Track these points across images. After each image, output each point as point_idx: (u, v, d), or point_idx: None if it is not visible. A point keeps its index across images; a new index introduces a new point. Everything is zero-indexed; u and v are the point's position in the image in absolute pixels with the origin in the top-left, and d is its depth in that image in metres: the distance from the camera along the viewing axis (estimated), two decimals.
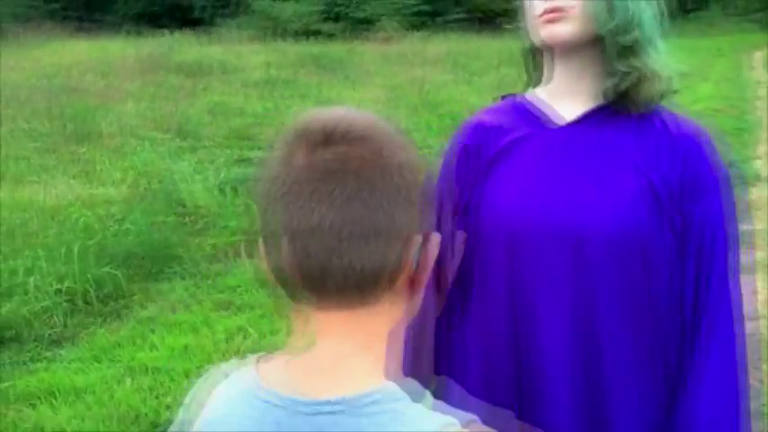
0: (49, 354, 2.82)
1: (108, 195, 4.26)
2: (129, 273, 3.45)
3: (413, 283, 0.62)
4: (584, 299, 0.93)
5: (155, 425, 2.33)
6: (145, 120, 6.39)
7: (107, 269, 3.33)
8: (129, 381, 2.55)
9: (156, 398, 2.45)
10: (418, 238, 0.61)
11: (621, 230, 0.91)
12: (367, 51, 12.54)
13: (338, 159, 0.58)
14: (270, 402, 0.59)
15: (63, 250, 3.32)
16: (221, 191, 4.55)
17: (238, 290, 3.42)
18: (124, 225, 3.74)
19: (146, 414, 2.37)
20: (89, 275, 3.24)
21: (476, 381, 1.00)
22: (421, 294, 0.64)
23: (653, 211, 0.91)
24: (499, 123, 0.99)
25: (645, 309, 0.93)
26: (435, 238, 0.63)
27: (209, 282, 3.54)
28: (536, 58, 1.01)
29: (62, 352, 2.83)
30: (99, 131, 5.94)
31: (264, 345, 2.86)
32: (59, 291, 3.13)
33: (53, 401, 2.44)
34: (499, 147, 0.98)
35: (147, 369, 2.65)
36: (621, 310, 0.93)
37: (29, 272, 3.16)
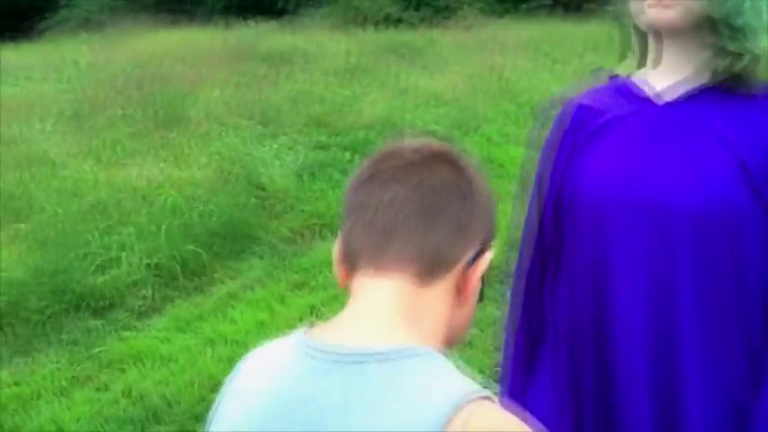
0: (138, 323, 3.03)
1: (194, 178, 4.48)
2: (212, 251, 3.64)
3: (460, 288, 0.66)
4: (664, 272, 0.94)
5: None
6: (230, 107, 6.64)
7: (192, 247, 3.53)
8: (209, 351, 2.72)
9: (232, 367, 2.59)
10: (481, 245, 0.66)
11: (708, 208, 0.92)
12: (447, 39, 12.47)
13: (424, 162, 0.65)
14: (306, 350, 0.64)
15: (153, 229, 3.54)
16: (299, 176, 4.70)
17: (313, 271, 3.53)
18: (208, 206, 3.94)
19: (224, 382, 2.51)
20: (176, 253, 3.44)
21: (562, 347, 1.04)
22: (470, 305, 0.68)
23: (745, 191, 0.92)
24: (601, 102, 1.02)
25: (730, 285, 0.93)
26: (489, 255, 0.68)
27: (286, 262, 3.68)
28: (640, 39, 1.02)
29: (150, 322, 3.03)
30: (187, 117, 6.23)
31: (324, 319, 2.97)
32: (149, 266, 3.34)
33: (141, 367, 2.63)
34: (599, 124, 1.01)
35: (226, 341, 2.81)
36: (702, 284, 0.94)
37: (121, 248, 3.39)
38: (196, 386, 2.48)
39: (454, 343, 0.68)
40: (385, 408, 0.59)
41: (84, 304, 3.07)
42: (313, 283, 3.40)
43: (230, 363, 2.79)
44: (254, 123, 6.00)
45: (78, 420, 2.33)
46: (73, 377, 2.58)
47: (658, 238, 0.94)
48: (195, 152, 5.18)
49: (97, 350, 2.77)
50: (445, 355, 0.64)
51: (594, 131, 1.00)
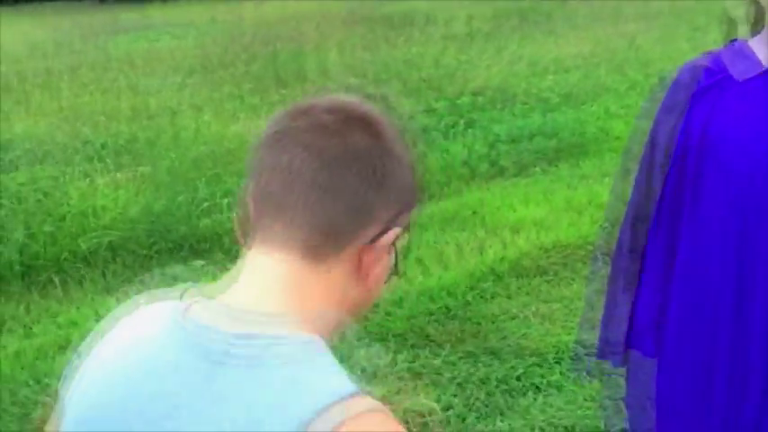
0: (231, 265, 3.24)
1: None
2: None
3: (361, 270, 0.60)
4: None
5: None
6: (345, 67, 6.78)
7: None
8: None
9: None
10: (387, 223, 0.60)
11: None
12: (580, 6, 11.87)
13: (336, 125, 0.59)
14: (185, 328, 0.59)
15: None
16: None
17: None
18: None
19: None
20: None
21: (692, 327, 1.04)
22: (371, 283, 0.62)
23: None
24: (724, 68, 1.02)
25: None
26: (396, 231, 0.61)
27: None
28: (759, 8, 1.02)
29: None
30: (304, 76, 6.45)
31: (416, 285, 3.01)
32: None
33: None
34: (725, 90, 1.01)
35: None
36: None
37: (225, 195, 3.62)
38: None
39: (345, 324, 0.62)
40: (246, 402, 0.55)
41: (187, 244, 3.33)
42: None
43: None
44: (365, 84, 6.10)
45: None
46: None
47: None
48: None
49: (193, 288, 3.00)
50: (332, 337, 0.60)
51: (722, 98, 0.99)
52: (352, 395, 0.57)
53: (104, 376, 0.61)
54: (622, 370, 1.28)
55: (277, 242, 0.60)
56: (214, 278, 2.68)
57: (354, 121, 0.61)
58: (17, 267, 2.96)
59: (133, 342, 0.62)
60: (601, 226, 2.62)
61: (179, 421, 0.57)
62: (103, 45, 7.75)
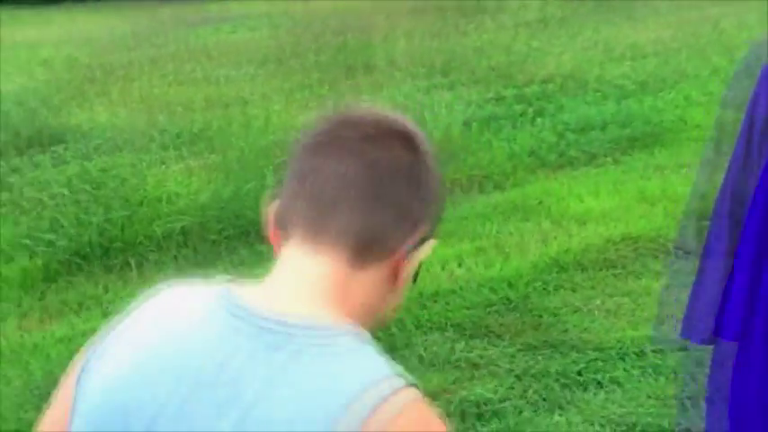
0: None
1: None
2: None
3: (395, 275, 0.63)
4: None
5: None
6: (413, 56, 6.76)
7: None
8: None
9: None
10: (424, 233, 0.63)
11: None
12: None
13: (382, 137, 0.62)
14: (228, 306, 0.61)
15: None
16: (468, 126, 4.69)
17: (465, 221, 3.57)
18: None
19: None
20: None
21: None
22: (400, 291, 0.65)
23: None
24: None
25: None
26: (431, 244, 0.65)
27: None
28: None
29: None
30: (372, 65, 6.48)
31: (476, 275, 2.98)
32: None
33: None
34: None
35: None
36: None
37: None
38: None
39: (377, 326, 0.65)
40: (303, 384, 0.58)
41: (253, 230, 3.42)
42: (462, 234, 3.44)
43: None
44: (433, 73, 6.07)
45: None
46: None
47: None
48: (370, 99, 5.40)
49: (259, 270, 3.09)
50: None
51: None
52: (394, 379, 0.59)
53: (136, 354, 0.62)
54: (701, 354, 1.23)
55: (323, 244, 0.62)
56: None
57: (397, 135, 0.64)
58: (96, 249, 3.14)
59: (171, 320, 0.63)
60: (677, 219, 2.53)
61: (228, 398, 0.58)
62: (183, 37, 8.04)
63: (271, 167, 3.83)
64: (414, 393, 0.60)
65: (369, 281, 0.63)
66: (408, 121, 0.66)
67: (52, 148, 3.78)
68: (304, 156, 0.64)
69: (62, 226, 3.17)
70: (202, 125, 4.65)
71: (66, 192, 3.24)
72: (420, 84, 5.62)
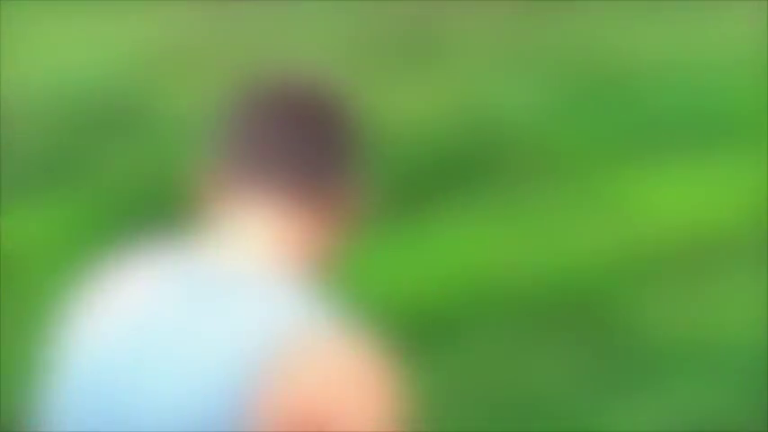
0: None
1: (444, 108, 4.66)
2: (441, 180, 3.80)
3: (335, 217, 0.69)
4: None
5: (427, 313, 2.60)
6: (494, 40, 6.63)
7: (422, 173, 3.73)
8: (411, 271, 2.88)
9: (430, 291, 2.72)
10: (359, 178, 0.69)
11: None
12: None
13: (309, 94, 0.69)
14: (172, 272, 0.64)
15: (389, 152, 3.79)
16: (544, 113, 4.55)
17: (532, 210, 3.47)
18: (449, 136, 4.07)
19: (419, 301, 2.66)
20: (404, 177, 3.66)
21: None
22: (340, 234, 0.69)
23: None
24: None
25: None
26: (369, 190, 0.71)
27: (510, 200, 3.66)
28: None
29: (369, 237, 3.31)
30: (446, 48, 6.41)
31: (540, 264, 2.89)
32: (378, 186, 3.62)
33: (351, 277, 2.91)
34: None
35: (430, 265, 2.94)
36: None
37: None
38: (392, 300, 2.66)
39: (322, 271, 0.69)
40: (221, 322, 0.61)
41: None
42: (532, 223, 3.35)
43: (427, 285, 2.92)
44: (517, 58, 5.93)
45: None
46: None
47: None
48: (445, 84, 5.34)
49: None
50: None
51: None
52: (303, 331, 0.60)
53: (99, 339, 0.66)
54: None
55: (263, 193, 0.67)
56: None
57: (331, 86, 0.71)
58: None
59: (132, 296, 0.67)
60: None
61: (157, 347, 0.62)
62: (264, 19, 8.24)
63: None
64: (326, 345, 0.60)
65: (308, 227, 0.67)
66: (326, 72, 0.73)
67: (135, 130, 3.96)
68: (234, 117, 0.69)
69: None
70: None
71: None
72: (498, 68, 5.50)
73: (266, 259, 0.65)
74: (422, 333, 2.48)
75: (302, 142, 0.68)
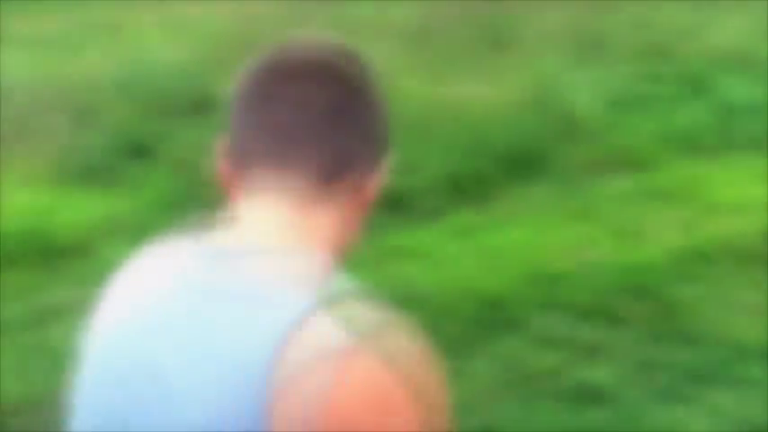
0: (423, 224, 3.36)
1: (507, 98, 4.61)
2: (503, 169, 3.76)
3: (362, 191, 0.63)
4: None
5: (487, 299, 2.61)
6: (563, 31, 6.49)
7: (485, 163, 3.70)
8: (472, 256, 2.90)
9: (490, 278, 2.73)
10: (383, 151, 0.63)
11: None
12: None
13: (331, 58, 0.62)
14: (196, 248, 0.61)
15: (451, 142, 3.80)
16: (614, 105, 4.44)
17: (597, 203, 3.41)
18: (509, 126, 4.03)
19: (479, 287, 2.67)
20: (468, 166, 3.66)
21: None
22: (361, 217, 0.63)
23: None
24: None
25: None
26: (388, 165, 0.64)
27: (573, 191, 3.60)
28: None
29: (433, 225, 3.34)
30: (518, 39, 6.31)
31: (605, 259, 2.84)
32: (443, 174, 3.63)
33: (413, 258, 2.95)
34: None
35: (491, 251, 2.95)
36: None
37: (423, 154, 3.73)
38: (453, 285, 2.69)
39: (341, 256, 0.63)
40: (238, 304, 0.56)
41: (381, 199, 3.51)
42: (595, 215, 3.29)
43: (488, 272, 2.93)
44: (583, 48, 5.79)
45: None
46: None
47: None
48: (513, 74, 5.27)
49: (384, 238, 3.18)
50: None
51: None
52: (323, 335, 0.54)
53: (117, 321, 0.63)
54: None
55: (291, 168, 0.61)
56: (404, 233, 2.77)
57: (345, 56, 0.64)
58: None
59: (146, 282, 0.64)
60: None
61: (170, 334, 0.58)
62: (331, 13, 8.30)
63: (404, 139, 3.89)
64: (351, 354, 0.53)
65: (337, 203, 0.62)
66: (351, 46, 0.66)
67: (212, 112, 4.10)
68: (255, 87, 0.63)
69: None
70: None
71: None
72: (567, 59, 5.39)
73: (284, 255, 0.59)
74: (486, 318, 2.50)
75: (322, 124, 0.60)
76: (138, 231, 3.37)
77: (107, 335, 0.63)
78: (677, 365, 2.16)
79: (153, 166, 3.85)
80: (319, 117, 0.61)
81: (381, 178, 0.65)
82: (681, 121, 4.28)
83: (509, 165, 3.78)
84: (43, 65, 5.99)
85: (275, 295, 0.56)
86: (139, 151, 3.99)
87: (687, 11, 7.01)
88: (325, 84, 0.62)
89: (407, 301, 2.55)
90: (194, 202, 3.36)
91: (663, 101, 4.61)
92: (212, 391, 0.55)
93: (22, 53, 7.17)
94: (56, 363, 2.32)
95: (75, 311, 2.89)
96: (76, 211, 3.43)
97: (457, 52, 6.03)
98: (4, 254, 3.14)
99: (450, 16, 7.27)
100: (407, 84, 4.95)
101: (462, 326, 2.48)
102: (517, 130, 3.94)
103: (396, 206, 3.52)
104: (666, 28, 6.46)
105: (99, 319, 0.65)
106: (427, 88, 4.87)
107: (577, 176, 3.74)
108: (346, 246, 0.64)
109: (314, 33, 0.69)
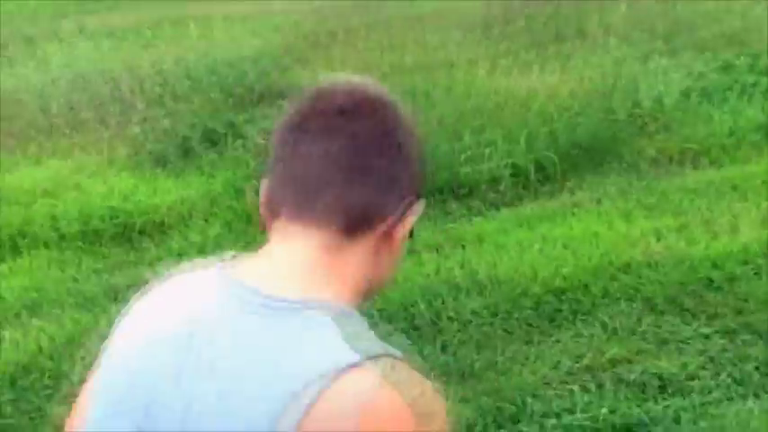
0: (487, 212, 3.38)
1: (572, 90, 4.55)
2: (569, 160, 3.74)
3: (387, 242, 0.64)
4: None
5: (552, 288, 2.62)
6: (634, 21, 6.34)
7: (550, 153, 3.68)
8: (538, 247, 2.90)
9: (555, 267, 2.73)
10: (411, 198, 0.64)
11: None
12: None
13: (356, 110, 0.64)
14: (227, 282, 0.63)
15: (518, 132, 3.80)
16: (686, 96, 4.34)
17: (670, 196, 3.35)
18: (577, 118, 3.99)
19: (544, 276, 2.68)
20: (533, 156, 3.65)
21: None
22: (395, 258, 0.65)
23: None
24: None
25: None
26: (421, 205, 0.65)
27: (644, 183, 3.55)
28: None
29: (498, 213, 3.35)
30: (586, 31, 6.20)
31: (676, 251, 2.80)
32: (507, 164, 3.64)
33: (477, 246, 2.97)
34: None
35: (556, 242, 2.94)
36: None
37: (488, 146, 3.74)
38: (518, 273, 2.71)
39: (374, 295, 0.66)
40: (275, 354, 0.59)
41: (447, 188, 3.55)
42: (666, 208, 3.24)
43: (553, 261, 2.93)
44: (654, 39, 5.65)
45: (426, 276, 2.77)
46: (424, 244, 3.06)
47: None
48: (581, 65, 5.19)
49: (449, 226, 3.22)
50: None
51: None
52: (350, 367, 0.57)
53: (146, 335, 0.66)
54: None
55: (312, 223, 0.63)
56: (468, 222, 2.83)
57: (371, 104, 0.65)
58: None
59: (178, 302, 0.66)
60: None
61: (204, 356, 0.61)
62: (400, 5, 8.34)
63: (468, 129, 3.91)
64: (371, 387, 0.57)
65: (360, 251, 0.63)
66: (382, 89, 0.67)
67: (279, 102, 4.22)
68: (285, 137, 0.66)
69: None
70: (408, 87, 4.85)
71: None
72: (637, 50, 5.28)
73: (312, 290, 0.62)
74: (553, 307, 2.52)
75: (347, 177, 0.62)
76: (208, 214, 3.54)
77: (125, 366, 0.66)
78: (749, 359, 2.13)
79: (223, 153, 4.00)
80: (346, 170, 0.63)
81: (412, 221, 0.66)
82: (755, 113, 4.14)
83: (576, 156, 3.75)
84: (118, 57, 6.27)
85: (299, 346, 0.59)
86: (211, 140, 4.15)
87: (761, 2, 6.73)
88: (352, 137, 0.63)
89: (474, 288, 2.62)
90: (258, 179, 3.47)
91: (736, 92, 4.47)
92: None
93: (99, 46, 7.51)
94: None
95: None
96: (153, 194, 3.61)
97: (523, 43, 5.99)
98: (90, 231, 3.35)
99: (516, 8, 7.20)
100: (473, 74, 4.96)
101: (528, 313, 2.50)
102: (585, 122, 3.90)
103: (462, 195, 3.56)
104: (740, 19, 6.23)
105: (121, 335, 0.68)
106: (493, 79, 4.86)
107: (647, 168, 3.68)
108: (377, 285, 0.67)
109: (347, 75, 0.71)
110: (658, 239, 2.93)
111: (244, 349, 0.61)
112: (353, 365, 0.58)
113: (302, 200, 0.63)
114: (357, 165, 0.63)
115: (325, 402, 0.56)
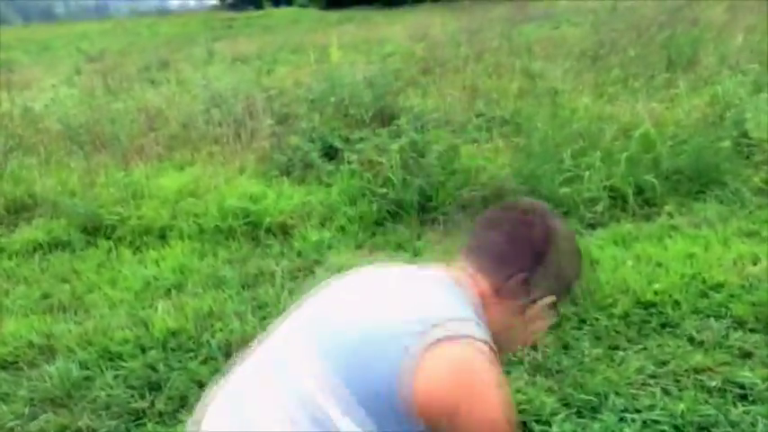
0: (584, 232, 3.52)
1: (678, 118, 4.61)
2: (669, 186, 3.82)
3: (522, 314, 1.00)
4: None
5: (642, 300, 2.75)
6: (749, 53, 6.24)
7: (650, 177, 3.79)
8: (631, 263, 3.04)
9: (647, 282, 2.86)
10: (545, 297, 1.00)
11: None
12: None
13: (524, 219, 1.02)
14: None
15: (618, 156, 3.93)
16: None
17: (766, 222, 3.36)
18: (681, 145, 4.06)
19: (635, 289, 2.81)
20: (632, 180, 3.77)
21: None
22: (528, 330, 1.03)
23: None
24: None
25: None
26: (548, 300, 1.00)
27: (746, 210, 3.57)
28: None
29: (594, 233, 3.50)
30: (697, 61, 6.18)
31: (765, 269, 2.84)
32: (606, 187, 3.78)
33: None
34: None
35: (650, 260, 3.06)
36: None
37: (587, 168, 3.90)
38: (609, 285, 2.86)
39: (502, 352, 0.95)
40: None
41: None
42: (762, 234, 3.26)
43: (645, 277, 3.07)
44: (762, 71, 5.55)
45: None
46: None
47: None
48: (690, 94, 5.22)
49: None
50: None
51: None
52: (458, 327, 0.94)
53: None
54: None
55: (478, 275, 1.03)
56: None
57: (539, 218, 1.02)
58: (416, 204, 3.80)
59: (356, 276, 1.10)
60: None
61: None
62: (507, 34, 8.58)
63: (569, 151, 4.08)
64: (469, 342, 0.91)
65: (502, 309, 1.00)
66: (553, 215, 1.03)
67: (391, 123, 4.60)
68: (479, 223, 1.07)
69: (393, 183, 3.91)
70: (513, 111, 5.08)
71: (397, 157, 3.97)
72: (749, 81, 5.23)
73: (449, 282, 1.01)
74: (641, 318, 2.64)
75: (518, 255, 1.00)
76: (325, 218, 3.92)
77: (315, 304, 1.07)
78: None
79: (339, 166, 4.39)
80: (499, 253, 1.01)
81: (547, 315, 1.04)
82: None
83: (678, 182, 3.82)
84: (246, 79, 6.91)
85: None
86: (329, 153, 4.57)
87: None
88: (512, 233, 1.02)
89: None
90: (373, 196, 3.83)
91: None
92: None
93: (228, 69, 8.26)
94: (263, 314, 2.85)
95: (276, 277, 3.49)
96: (279, 198, 4.05)
97: (633, 71, 6.06)
98: (225, 228, 3.83)
99: (628, 37, 7.25)
100: (578, 100, 5.11)
101: (616, 322, 2.65)
102: (689, 149, 3.96)
103: (560, 213, 3.72)
104: None
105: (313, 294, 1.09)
106: (597, 105, 5.00)
107: (751, 198, 3.69)
108: (507, 342, 1.03)
109: (528, 199, 1.17)
110: (755, 263, 2.98)
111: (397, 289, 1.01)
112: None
113: (475, 261, 1.05)
114: (508, 252, 1.02)
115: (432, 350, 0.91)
